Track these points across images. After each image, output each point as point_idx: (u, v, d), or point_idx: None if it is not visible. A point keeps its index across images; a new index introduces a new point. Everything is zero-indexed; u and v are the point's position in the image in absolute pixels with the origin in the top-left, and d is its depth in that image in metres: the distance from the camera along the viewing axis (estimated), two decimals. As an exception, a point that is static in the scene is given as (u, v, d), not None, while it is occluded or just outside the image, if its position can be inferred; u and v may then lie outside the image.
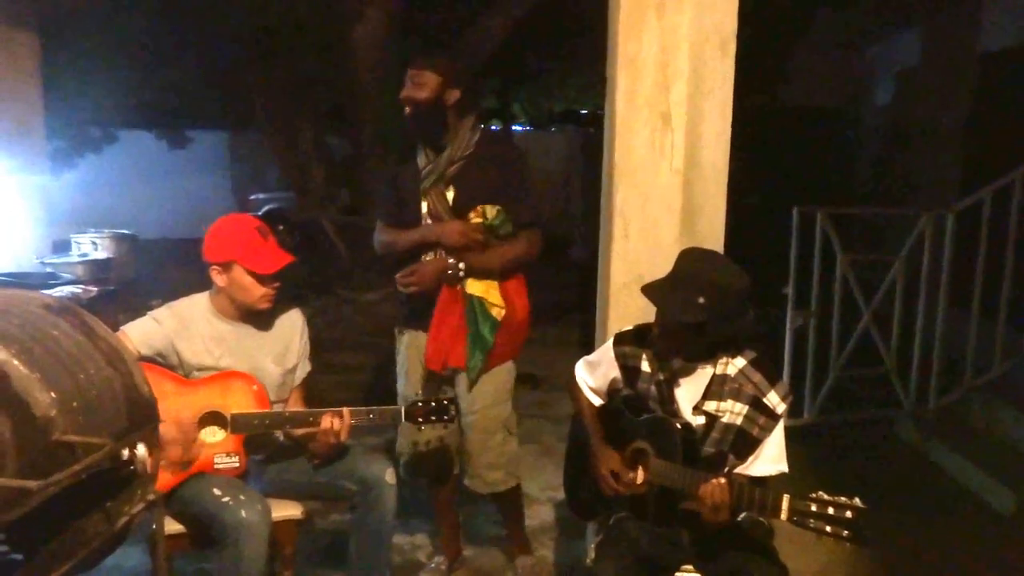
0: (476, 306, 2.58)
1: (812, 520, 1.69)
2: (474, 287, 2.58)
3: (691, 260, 2.00)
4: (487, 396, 2.67)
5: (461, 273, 2.55)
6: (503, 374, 2.69)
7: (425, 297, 2.60)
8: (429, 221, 2.61)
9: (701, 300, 1.89)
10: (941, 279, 4.24)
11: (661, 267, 2.43)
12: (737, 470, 2.01)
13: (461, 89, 2.59)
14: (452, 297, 2.58)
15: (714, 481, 1.83)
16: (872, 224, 6.01)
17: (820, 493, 1.70)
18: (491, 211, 2.57)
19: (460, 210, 2.59)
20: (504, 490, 2.78)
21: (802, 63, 8.42)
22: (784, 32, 7.73)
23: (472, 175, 2.59)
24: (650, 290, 2.01)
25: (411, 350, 2.72)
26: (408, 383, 2.72)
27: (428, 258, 2.60)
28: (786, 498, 1.74)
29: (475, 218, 2.57)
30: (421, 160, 2.65)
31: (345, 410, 2.28)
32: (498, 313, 2.59)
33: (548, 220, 2.74)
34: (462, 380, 2.67)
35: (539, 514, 3.35)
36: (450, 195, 2.60)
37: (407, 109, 2.58)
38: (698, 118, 2.46)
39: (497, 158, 2.64)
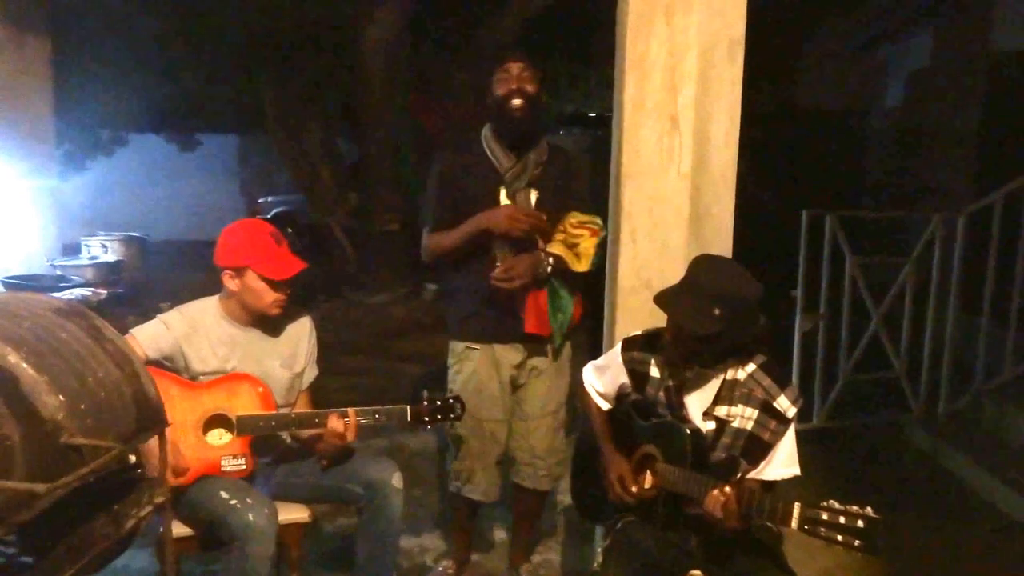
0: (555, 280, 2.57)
1: (823, 529, 1.67)
2: (555, 247, 2.54)
3: (704, 269, 1.98)
4: (559, 397, 2.72)
5: (550, 268, 2.51)
6: (569, 374, 2.72)
7: (501, 307, 2.55)
8: None
9: (717, 311, 1.88)
10: (952, 282, 4.22)
11: (669, 271, 2.43)
12: (750, 475, 2.00)
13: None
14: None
15: (716, 492, 1.82)
16: (882, 227, 5.99)
17: (832, 502, 1.68)
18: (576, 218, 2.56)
19: (542, 212, 2.57)
20: (557, 485, 2.84)
21: (813, 65, 8.40)
22: (794, 34, 7.72)
23: (548, 179, 2.59)
24: (664, 301, 1.99)
25: (486, 366, 2.61)
26: (483, 401, 2.60)
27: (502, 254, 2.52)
28: (797, 506, 1.72)
29: (572, 225, 2.54)
30: (502, 161, 2.57)
31: (350, 410, 2.28)
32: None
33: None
34: (538, 383, 2.67)
35: (546, 517, 3.33)
36: (533, 198, 2.58)
37: (515, 102, 2.50)
38: (706, 121, 2.45)
39: (563, 165, 2.65)
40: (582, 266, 2.55)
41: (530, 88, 2.52)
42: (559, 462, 2.75)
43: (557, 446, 2.75)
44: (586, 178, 2.70)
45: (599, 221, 2.57)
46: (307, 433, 2.36)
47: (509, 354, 2.62)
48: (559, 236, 2.57)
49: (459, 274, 2.65)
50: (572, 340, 2.74)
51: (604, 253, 2.57)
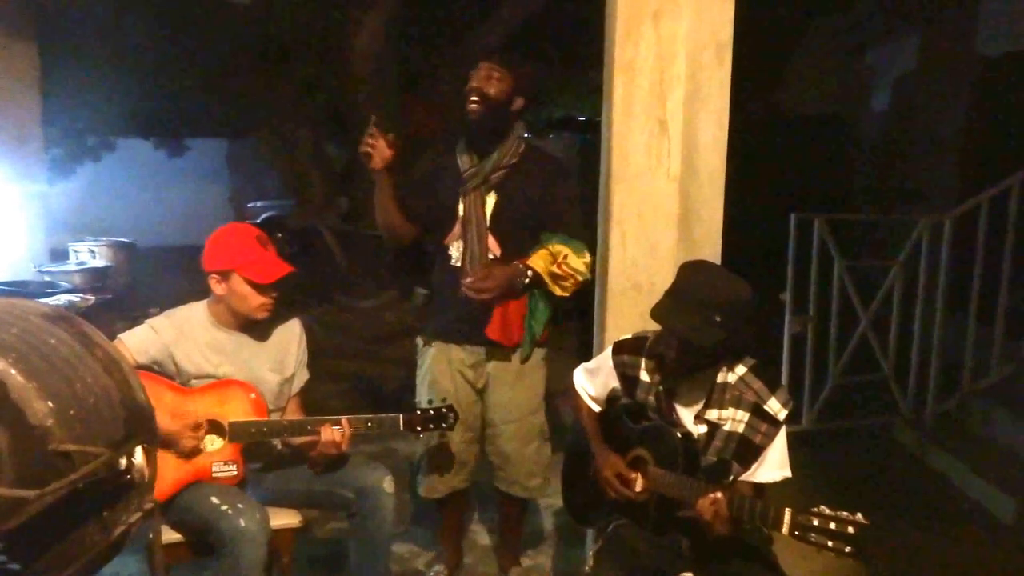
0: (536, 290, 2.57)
1: (814, 535, 1.68)
2: (537, 264, 2.52)
3: (695, 277, 1.97)
4: (524, 405, 2.67)
5: (527, 280, 2.51)
6: (537, 383, 2.69)
7: (457, 308, 2.57)
8: (458, 227, 2.56)
9: (718, 318, 1.88)
10: (939, 284, 4.25)
11: (659, 274, 2.45)
12: (742, 477, 2.00)
13: (526, 100, 2.58)
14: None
15: (710, 496, 1.82)
16: (870, 230, 6.03)
17: (822, 507, 1.69)
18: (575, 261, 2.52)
19: (498, 217, 2.55)
20: (537, 496, 2.81)
21: (800, 69, 8.45)
22: (782, 38, 7.76)
23: (515, 185, 2.57)
24: (662, 315, 1.95)
25: (440, 363, 2.66)
26: (436, 395, 2.59)
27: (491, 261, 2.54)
28: (788, 512, 1.72)
29: (566, 263, 2.52)
30: (464, 161, 2.59)
31: (344, 419, 2.28)
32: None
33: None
34: (497, 389, 2.65)
35: (537, 521, 3.34)
36: (490, 201, 2.57)
37: (472, 101, 2.50)
38: (695, 125, 2.46)
39: (541, 172, 2.61)
40: (560, 292, 2.56)
41: (491, 90, 2.50)
42: (531, 472, 2.72)
43: (528, 455, 2.71)
44: (571, 189, 2.63)
45: (586, 271, 2.55)
46: (299, 440, 2.36)
47: (462, 355, 2.64)
48: (546, 257, 2.53)
49: (429, 273, 2.71)
50: (543, 349, 2.70)
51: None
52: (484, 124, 2.54)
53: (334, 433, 2.25)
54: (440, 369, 2.67)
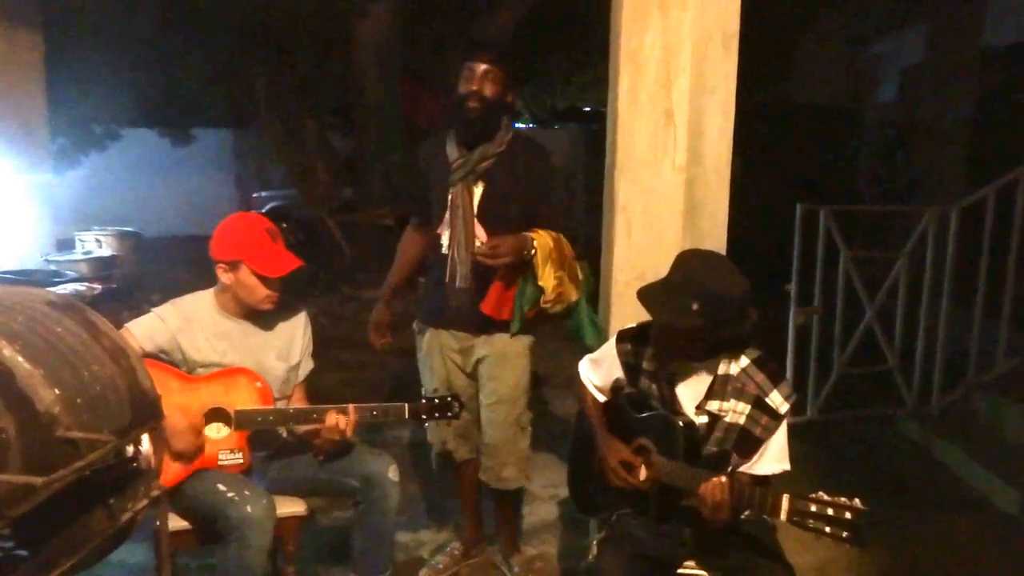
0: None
1: (811, 520, 1.69)
2: (539, 236, 2.54)
3: (688, 264, 1.98)
4: (507, 389, 2.68)
5: (533, 251, 2.50)
6: (521, 371, 2.70)
7: (445, 294, 2.62)
8: (447, 215, 2.59)
9: (695, 306, 1.88)
10: (945, 276, 4.23)
11: (664, 264, 2.43)
12: (741, 469, 2.01)
13: (513, 91, 2.60)
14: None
15: (714, 480, 1.83)
16: (876, 221, 6.01)
17: (820, 493, 1.70)
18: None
19: (485, 206, 2.57)
20: (514, 488, 2.81)
21: (807, 60, 8.41)
22: (788, 29, 7.73)
23: (502, 173, 2.58)
24: (644, 295, 1.99)
25: (432, 347, 2.75)
26: (433, 378, 2.75)
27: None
28: (786, 498, 1.73)
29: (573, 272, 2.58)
30: (452, 152, 2.61)
31: (351, 407, 2.29)
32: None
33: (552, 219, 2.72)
34: (485, 370, 2.68)
35: (541, 511, 3.35)
36: (478, 191, 2.58)
37: (470, 104, 2.51)
38: (700, 115, 2.46)
39: (527, 161, 2.62)
40: (543, 280, 2.54)
41: (488, 91, 2.52)
42: (505, 463, 2.73)
43: (511, 441, 2.72)
44: (545, 179, 2.64)
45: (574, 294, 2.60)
46: (303, 427, 2.36)
47: (450, 341, 2.70)
48: (550, 235, 2.54)
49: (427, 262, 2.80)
50: (529, 337, 2.69)
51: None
52: (480, 123, 2.56)
53: (338, 419, 2.26)
54: (432, 353, 2.75)
